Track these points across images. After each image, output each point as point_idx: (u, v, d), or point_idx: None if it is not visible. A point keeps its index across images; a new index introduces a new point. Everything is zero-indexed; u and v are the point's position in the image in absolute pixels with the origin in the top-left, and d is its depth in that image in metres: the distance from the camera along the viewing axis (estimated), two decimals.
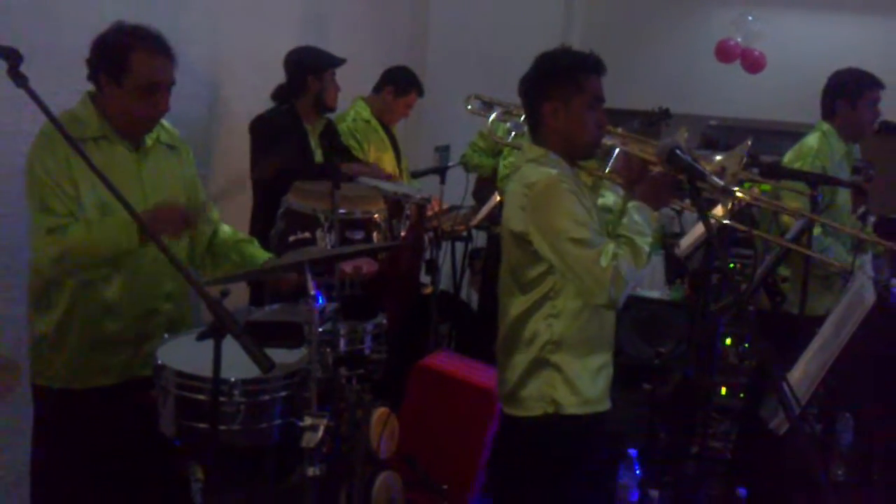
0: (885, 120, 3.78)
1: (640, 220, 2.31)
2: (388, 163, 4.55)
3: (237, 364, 1.98)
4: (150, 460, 2.55)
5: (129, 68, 2.40)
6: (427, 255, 4.37)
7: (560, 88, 2.39)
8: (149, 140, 2.58)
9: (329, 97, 3.96)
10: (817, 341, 2.11)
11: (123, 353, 2.54)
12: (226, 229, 2.82)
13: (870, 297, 2.02)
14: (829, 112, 3.86)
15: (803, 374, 2.08)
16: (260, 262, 2.74)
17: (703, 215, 2.02)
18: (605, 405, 2.50)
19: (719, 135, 5.53)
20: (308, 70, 3.90)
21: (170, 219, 2.38)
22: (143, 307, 2.56)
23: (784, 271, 3.47)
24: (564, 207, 2.29)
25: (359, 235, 3.39)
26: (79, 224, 2.36)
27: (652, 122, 4.67)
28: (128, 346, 2.55)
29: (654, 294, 5.14)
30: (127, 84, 2.41)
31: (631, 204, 2.36)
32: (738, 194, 3.22)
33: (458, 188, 4.65)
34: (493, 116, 3.25)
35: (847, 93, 3.78)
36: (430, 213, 4.18)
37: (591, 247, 2.25)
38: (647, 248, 2.29)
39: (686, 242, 3.71)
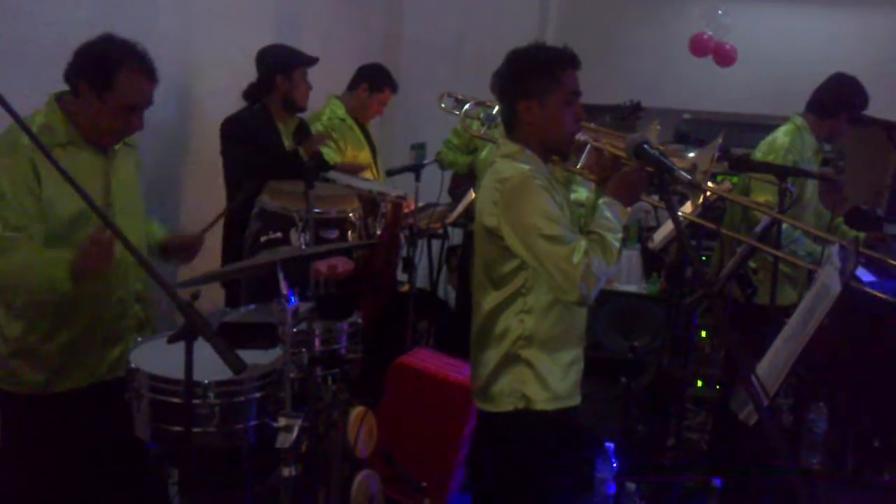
0: (855, 110, 3.81)
1: (610, 216, 2.33)
2: (365, 161, 4.55)
3: (211, 366, 1.98)
4: (126, 464, 2.55)
5: (114, 86, 2.40)
6: (403, 253, 4.37)
7: (535, 85, 2.39)
8: (116, 145, 2.58)
9: (299, 96, 3.93)
10: (785, 333, 2.14)
11: (94, 356, 2.54)
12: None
13: (836, 287, 2.04)
14: (825, 112, 3.83)
15: (771, 365, 2.10)
16: (157, 238, 2.75)
17: (672, 210, 2.03)
18: (576, 400, 2.51)
19: (692, 129, 5.56)
20: (276, 69, 3.87)
21: (99, 252, 2.32)
22: (113, 309, 2.55)
23: (754, 264, 3.50)
24: (536, 204, 2.30)
25: (333, 234, 3.39)
26: (22, 248, 2.31)
27: (624, 116, 4.69)
28: (98, 349, 2.54)
29: (631, 288, 5.17)
30: (108, 100, 2.41)
31: (602, 200, 2.37)
32: (708, 190, 3.26)
33: (433, 186, 4.66)
34: (465, 108, 3.26)
35: (855, 108, 3.79)
36: (405, 210, 4.18)
37: (563, 243, 2.26)
38: (617, 245, 2.30)
39: (659, 236, 3.74)
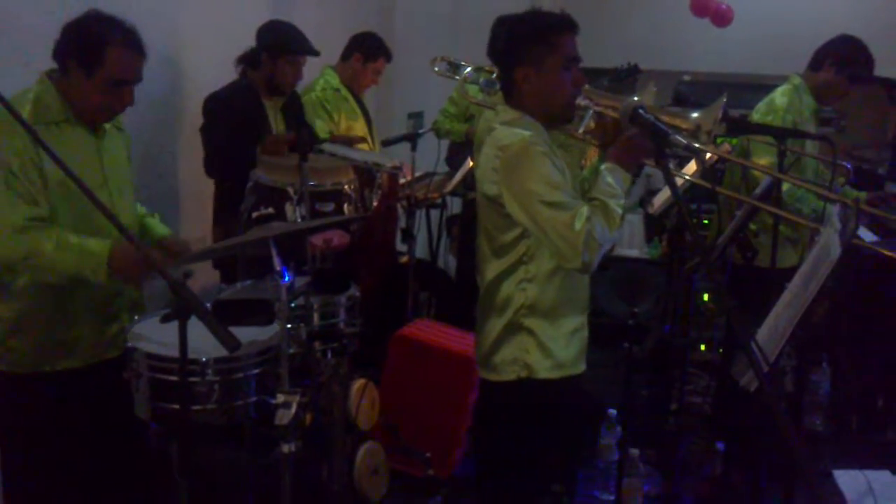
0: (855, 67, 3.77)
1: (613, 182, 2.29)
2: (360, 131, 4.52)
3: (210, 343, 1.97)
4: (127, 443, 2.55)
5: (103, 62, 2.38)
6: (402, 224, 4.35)
7: (532, 51, 2.35)
8: (107, 124, 2.56)
9: (281, 81, 3.81)
10: (785, 297, 2.11)
11: (88, 336, 2.52)
12: (138, 208, 2.81)
13: (836, 251, 2.02)
14: (815, 65, 3.83)
15: (771, 330, 2.08)
16: (157, 235, 2.72)
17: (668, 175, 2.00)
18: (580, 368, 2.50)
19: (691, 90, 5.50)
20: (264, 47, 3.78)
21: (137, 267, 2.33)
22: (106, 289, 2.53)
23: (754, 226, 3.48)
24: (537, 170, 2.27)
25: (329, 207, 3.36)
26: (51, 235, 2.31)
27: (621, 79, 4.64)
28: (92, 329, 2.53)
29: (633, 253, 5.15)
30: (97, 76, 2.39)
31: (604, 166, 2.33)
32: (707, 152, 3.23)
33: (430, 155, 4.63)
34: (465, 73, 3.21)
35: (840, 57, 3.75)
36: (402, 181, 4.15)
37: (565, 210, 2.23)
38: (619, 211, 2.27)
39: (658, 201, 3.70)
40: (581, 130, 2.51)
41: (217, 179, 3.76)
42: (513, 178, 2.29)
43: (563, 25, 2.37)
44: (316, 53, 3.89)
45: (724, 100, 2.30)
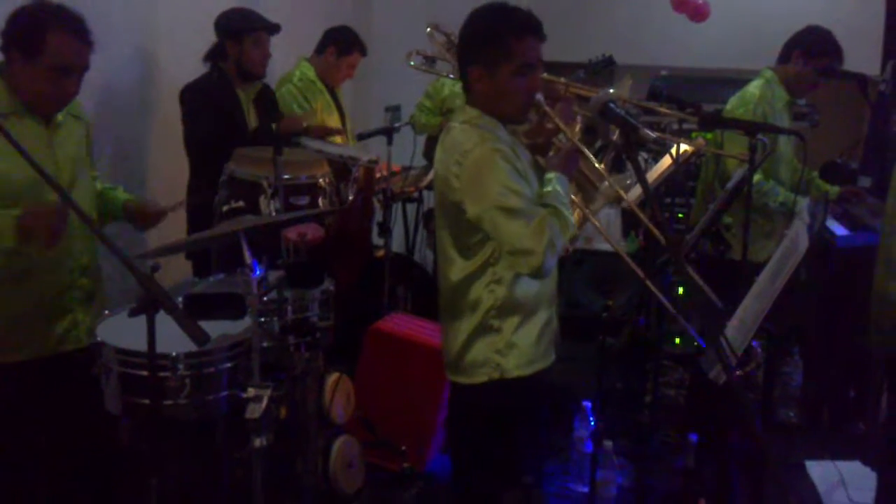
0: (830, 64, 3.79)
1: (561, 190, 2.30)
2: (334, 125, 4.50)
3: (181, 338, 1.95)
4: (94, 437, 2.53)
5: (43, 48, 2.35)
6: (378, 218, 4.34)
7: (486, 53, 2.29)
8: (59, 115, 2.54)
9: (250, 64, 3.80)
10: (754, 290, 2.13)
11: (40, 329, 2.50)
12: (96, 185, 2.79)
13: (804, 244, 2.04)
14: (783, 57, 3.86)
15: (741, 323, 2.10)
16: (120, 202, 2.72)
17: (639, 170, 2.01)
18: (550, 360, 2.49)
19: (668, 85, 5.51)
20: (226, 34, 3.77)
21: (44, 223, 2.30)
22: (58, 282, 2.52)
23: (726, 219, 3.50)
24: (497, 177, 2.24)
25: (304, 201, 3.36)
26: None
27: (596, 71, 4.64)
28: (45, 322, 2.51)
29: (609, 247, 5.16)
30: (39, 63, 2.36)
31: (551, 175, 2.33)
32: (683, 146, 3.24)
33: (407, 149, 4.62)
34: (437, 67, 3.21)
35: (806, 48, 3.78)
36: (378, 175, 4.14)
37: (523, 216, 2.21)
38: (571, 219, 2.29)
39: (632, 195, 3.72)
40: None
41: (195, 171, 3.75)
42: (473, 185, 2.26)
43: (525, 28, 2.28)
44: (276, 28, 3.88)
45: (630, 81, 2.31)
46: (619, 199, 2.44)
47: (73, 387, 2.46)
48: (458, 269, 2.39)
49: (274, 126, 3.69)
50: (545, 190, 2.31)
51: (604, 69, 4.06)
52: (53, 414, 2.47)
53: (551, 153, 2.46)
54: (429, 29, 3.43)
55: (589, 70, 3.96)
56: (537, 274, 2.24)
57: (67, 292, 2.55)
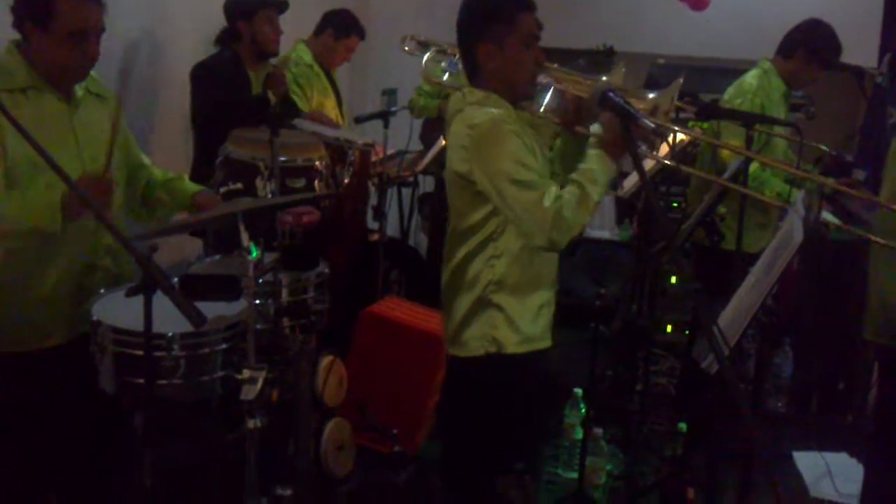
0: (825, 56, 3.80)
1: (597, 168, 2.28)
2: (331, 109, 4.49)
3: (177, 318, 1.96)
4: (96, 417, 2.53)
5: (55, 13, 2.31)
6: (373, 202, 4.34)
7: (493, 29, 2.36)
8: (79, 90, 2.49)
9: (265, 41, 3.83)
10: (748, 281, 2.15)
11: (64, 312, 2.48)
12: (156, 172, 2.77)
13: (798, 236, 2.05)
14: (786, 51, 3.87)
15: (734, 314, 2.11)
16: (189, 194, 2.70)
17: (637, 160, 2.02)
18: (547, 342, 2.52)
19: (665, 73, 5.52)
20: (237, 15, 3.78)
21: (96, 194, 2.27)
22: (81, 263, 2.50)
23: (721, 209, 3.51)
24: (507, 149, 2.28)
25: (300, 184, 3.35)
26: (12, 199, 2.29)
27: (597, 61, 4.65)
28: (68, 304, 2.49)
29: (604, 234, 5.19)
30: (54, 30, 2.32)
31: (593, 151, 2.32)
32: (680, 135, 3.25)
33: (402, 133, 4.61)
34: (426, 57, 3.20)
35: (811, 46, 3.79)
36: (374, 158, 4.14)
37: (533, 188, 2.24)
38: (596, 198, 2.27)
39: (628, 184, 3.73)
40: (542, 109, 2.51)
41: (202, 151, 3.75)
42: (482, 155, 2.30)
43: (521, 3, 2.39)
44: (285, 5, 3.89)
45: (681, 81, 2.31)
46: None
47: (78, 367, 2.44)
48: (462, 247, 2.43)
49: (269, 93, 3.67)
50: (580, 165, 2.31)
51: (604, 59, 4.07)
52: (67, 395, 2.46)
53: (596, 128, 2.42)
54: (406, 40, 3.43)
55: (590, 60, 3.97)
56: (547, 246, 2.27)
57: (91, 273, 2.52)
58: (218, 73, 3.72)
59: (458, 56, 2.52)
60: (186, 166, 3.79)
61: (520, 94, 2.45)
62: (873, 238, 2.68)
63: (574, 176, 2.30)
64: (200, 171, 3.64)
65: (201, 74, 3.73)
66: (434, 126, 5.00)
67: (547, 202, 2.22)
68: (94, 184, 2.28)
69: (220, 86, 3.69)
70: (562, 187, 2.28)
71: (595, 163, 2.29)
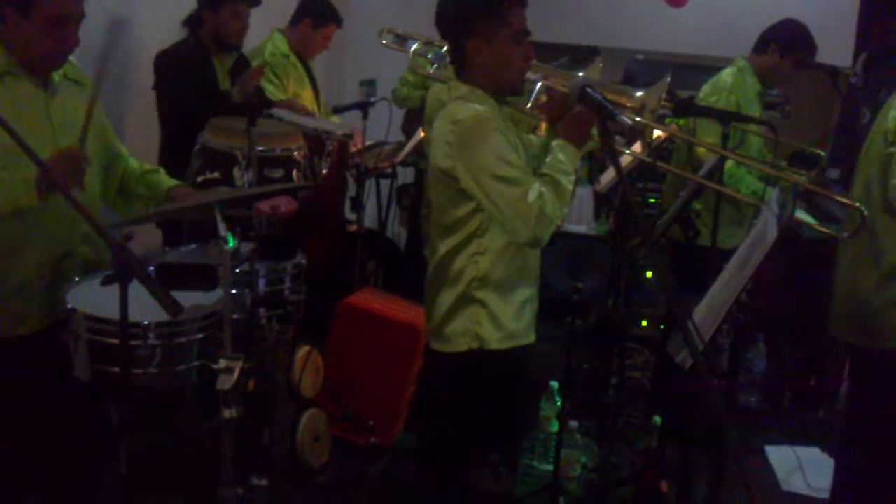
0: (799, 52, 3.85)
1: (563, 158, 2.31)
2: (308, 99, 4.46)
3: (153, 307, 1.95)
4: (71, 405, 2.51)
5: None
6: (351, 193, 4.33)
7: (483, 24, 2.35)
8: (56, 76, 2.47)
9: (227, 34, 3.76)
10: (723, 278, 2.17)
11: (40, 299, 2.45)
12: (133, 163, 2.74)
13: (772, 234, 2.07)
14: (759, 48, 3.90)
15: (708, 309, 2.14)
16: (165, 188, 2.67)
17: (613, 155, 2.03)
18: (530, 338, 2.54)
19: (643, 69, 5.54)
20: (204, 3, 3.73)
21: (69, 168, 2.26)
22: (56, 250, 2.48)
23: (697, 205, 3.54)
24: (491, 145, 2.28)
25: (278, 173, 3.34)
26: None
27: (579, 60, 4.66)
28: (44, 292, 2.46)
29: (581, 228, 5.20)
30: (34, 16, 2.29)
31: (555, 142, 2.35)
32: (656, 131, 3.27)
33: (381, 123, 4.60)
34: (413, 48, 3.19)
35: (784, 42, 3.82)
36: (352, 149, 4.13)
37: (518, 185, 2.26)
38: (570, 187, 2.30)
39: (605, 179, 3.75)
40: (530, 105, 2.52)
41: (167, 139, 3.71)
42: (466, 152, 2.30)
43: None
44: (257, 2, 3.84)
45: (668, 80, 2.33)
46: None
47: (57, 354, 2.42)
48: (445, 242, 2.44)
49: (233, 90, 3.63)
50: (546, 158, 2.33)
51: (587, 58, 4.08)
52: (41, 382, 2.44)
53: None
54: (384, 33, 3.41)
55: (573, 58, 3.98)
56: (531, 242, 2.29)
57: (67, 260, 2.49)
58: (181, 63, 3.67)
59: (445, 48, 2.52)
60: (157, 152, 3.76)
61: (508, 90, 2.44)
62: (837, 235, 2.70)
63: (546, 170, 2.32)
64: (166, 158, 3.60)
65: (164, 63, 3.68)
66: (416, 117, 4.98)
67: (531, 198, 2.24)
68: (66, 158, 2.25)
69: (184, 75, 3.64)
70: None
71: (561, 152, 2.32)
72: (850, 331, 2.99)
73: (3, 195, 2.26)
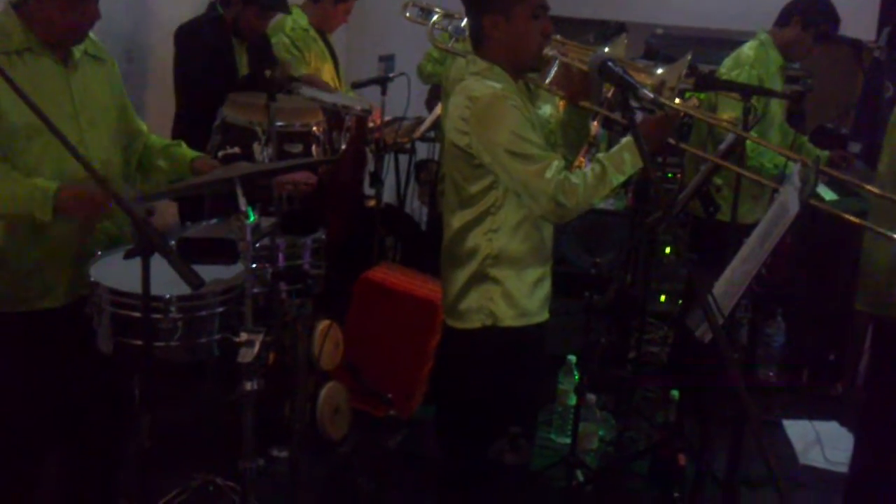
0: (821, 24, 3.80)
1: (628, 158, 2.29)
2: (328, 73, 4.46)
3: (175, 280, 1.97)
4: (95, 378, 2.55)
5: None
6: (370, 168, 4.33)
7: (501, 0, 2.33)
8: (76, 52, 2.47)
9: (244, 28, 3.74)
10: (743, 252, 2.16)
11: (64, 273, 2.48)
12: (153, 139, 2.76)
13: (794, 207, 2.06)
14: (781, 21, 3.86)
15: (728, 284, 2.13)
16: (188, 160, 2.69)
17: (634, 129, 2.02)
18: (543, 316, 2.54)
19: (663, 44, 5.48)
20: None
21: (87, 201, 2.30)
22: (80, 226, 2.50)
23: (717, 180, 3.52)
24: (507, 122, 2.28)
25: (297, 149, 3.34)
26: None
27: (607, 37, 4.62)
28: (67, 266, 2.49)
29: (599, 204, 5.19)
30: None
31: (627, 140, 2.32)
32: (674, 106, 3.24)
33: (400, 99, 4.59)
34: (432, 20, 3.18)
35: (806, 14, 3.78)
36: (371, 124, 4.13)
37: (535, 161, 2.25)
38: (614, 185, 2.29)
39: None
40: (548, 81, 2.51)
41: (183, 114, 3.72)
42: (483, 129, 2.30)
43: None
44: (288, 11, 3.83)
45: (689, 58, 2.31)
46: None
47: (80, 329, 2.45)
48: (459, 217, 2.43)
49: (268, 73, 3.64)
50: (612, 151, 2.31)
51: (613, 36, 4.05)
52: (64, 356, 2.48)
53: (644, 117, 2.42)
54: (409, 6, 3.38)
55: (599, 35, 3.95)
56: (553, 218, 2.31)
57: (90, 236, 2.52)
58: (201, 38, 3.67)
59: (464, 22, 2.50)
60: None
61: (525, 66, 2.43)
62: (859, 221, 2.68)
63: (601, 156, 2.31)
64: (182, 133, 3.61)
65: (184, 39, 3.68)
66: (440, 92, 4.96)
67: (549, 174, 2.23)
68: (87, 202, 2.30)
69: (203, 50, 3.64)
70: (564, 159, 2.29)
71: (627, 151, 2.29)
72: (877, 303, 2.97)
73: (19, 200, 2.29)
